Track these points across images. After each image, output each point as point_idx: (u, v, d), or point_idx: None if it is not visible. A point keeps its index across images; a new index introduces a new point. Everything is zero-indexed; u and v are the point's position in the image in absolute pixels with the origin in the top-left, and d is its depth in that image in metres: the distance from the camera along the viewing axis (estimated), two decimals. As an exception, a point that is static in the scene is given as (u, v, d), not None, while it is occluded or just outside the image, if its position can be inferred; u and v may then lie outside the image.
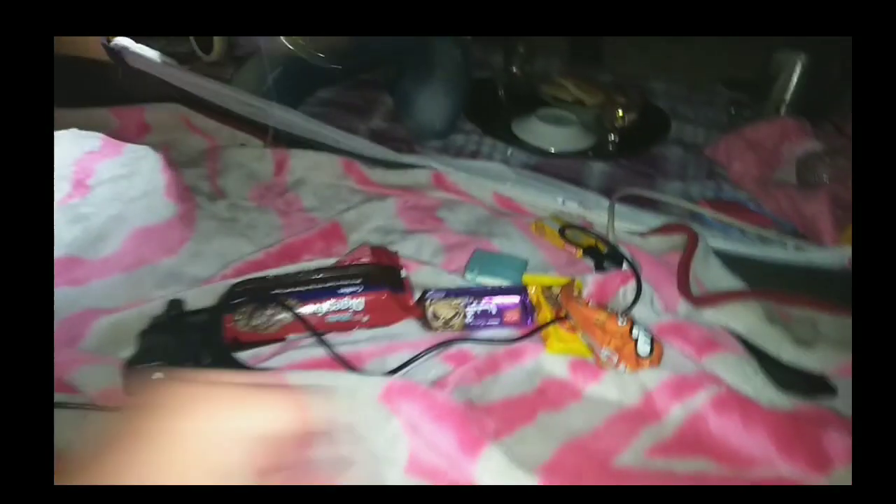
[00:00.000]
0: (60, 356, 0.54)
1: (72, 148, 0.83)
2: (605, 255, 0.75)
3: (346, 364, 0.58)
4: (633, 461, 0.54)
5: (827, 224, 0.86)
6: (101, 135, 0.85)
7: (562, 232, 0.79)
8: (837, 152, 1.02)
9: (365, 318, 0.63)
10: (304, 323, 0.60)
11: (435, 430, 0.50)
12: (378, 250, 0.69)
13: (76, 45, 1.13)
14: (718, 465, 0.54)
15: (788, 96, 1.24)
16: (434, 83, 1.05)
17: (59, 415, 0.49)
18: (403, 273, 0.68)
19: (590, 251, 0.77)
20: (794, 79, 1.25)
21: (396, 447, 0.52)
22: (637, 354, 0.60)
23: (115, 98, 1.03)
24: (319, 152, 0.92)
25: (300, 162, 0.91)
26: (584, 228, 0.81)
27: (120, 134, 0.98)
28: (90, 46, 1.11)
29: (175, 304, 0.61)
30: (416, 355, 0.61)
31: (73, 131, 0.85)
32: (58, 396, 0.50)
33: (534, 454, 0.54)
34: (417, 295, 0.68)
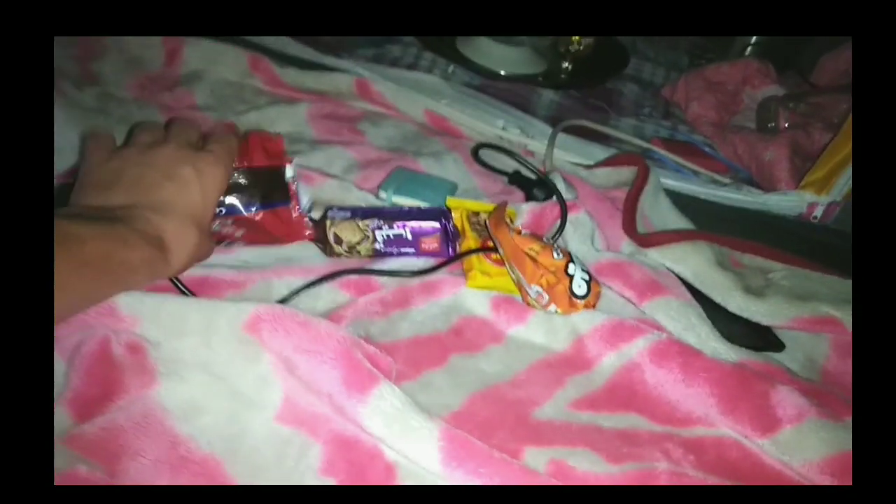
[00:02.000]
0: None
1: None
2: (535, 183, 0.65)
3: (183, 289, 0.46)
4: (555, 413, 0.46)
5: (784, 171, 0.79)
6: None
7: (475, 153, 0.69)
8: (800, 98, 0.95)
9: (238, 233, 0.51)
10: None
11: (314, 365, 0.40)
12: (254, 136, 0.53)
13: None
14: (651, 422, 0.46)
15: (754, 38, 1.16)
16: None
17: None
18: (289, 172, 0.52)
19: (517, 178, 0.67)
20: (761, 21, 1.17)
21: (266, 390, 0.41)
22: (571, 294, 0.51)
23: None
24: (222, 43, 0.77)
25: (197, 52, 0.75)
26: (508, 151, 0.70)
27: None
28: None
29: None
30: (310, 282, 0.50)
31: None
32: None
33: (440, 402, 0.45)
34: (319, 213, 0.56)
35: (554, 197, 0.61)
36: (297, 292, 0.49)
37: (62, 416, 0.37)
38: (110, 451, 0.37)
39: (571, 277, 0.51)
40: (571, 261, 0.52)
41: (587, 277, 0.52)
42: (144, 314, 0.40)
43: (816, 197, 0.69)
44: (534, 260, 0.51)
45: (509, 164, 0.71)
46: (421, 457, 0.38)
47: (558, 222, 0.61)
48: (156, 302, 0.41)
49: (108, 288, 0.39)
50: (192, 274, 0.47)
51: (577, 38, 1.02)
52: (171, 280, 0.45)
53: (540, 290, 0.51)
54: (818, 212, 0.70)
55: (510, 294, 0.54)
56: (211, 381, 0.41)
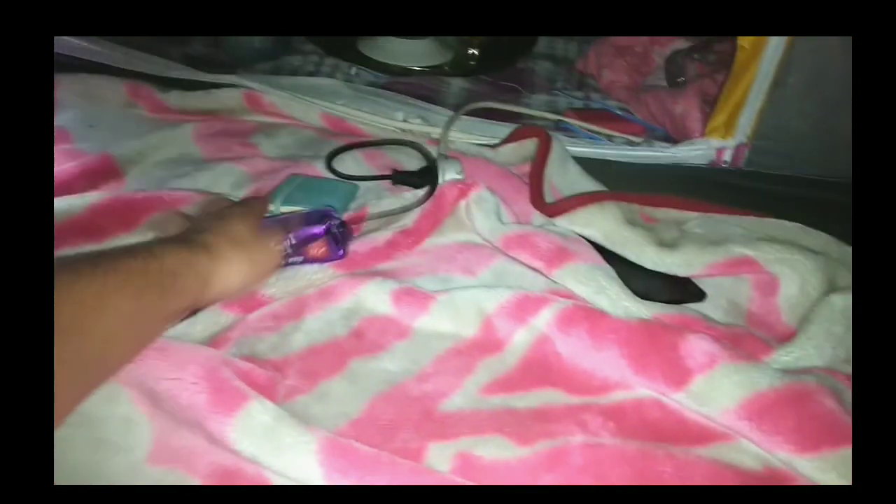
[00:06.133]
0: None
1: None
2: (419, 172, 0.63)
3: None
4: (464, 403, 0.43)
5: (695, 122, 0.78)
6: None
7: (328, 162, 0.65)
8: (705, 49, 0.94)
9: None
10: None
11: (178, 393, 0.36)
12: None
13: None
14: (568, 395, 0.44)
15: None
16: None
17: None
18: None
19: (400, 178, 0.64)
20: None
21: (132, 430, 0.37)
22: None
23: None
24: (96, 75, 0.73)
25: (69, 89, 0.72)
26: (363, 143, 0.68)
27: None
28: None
29: None
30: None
31: None
32: None
33: (337, 412, 0.41)
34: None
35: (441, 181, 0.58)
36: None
37: None
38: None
39: None
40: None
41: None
42: None
43: (722, 141, 0.68)
44: None
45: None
46: (301, 474, 0.34)
47: (462, 203, 0.59)
48: None
49: (160, 301, 0.36)
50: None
51: (478, 22, 1.00)
52: None
53: None
54: (727, 156, 0.68)
55: (414, 286, 0.51)
56: (71, 427, 0.37)
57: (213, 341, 0.44)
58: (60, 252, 0.52)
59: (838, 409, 0.38)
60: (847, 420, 0.37)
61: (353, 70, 0.93)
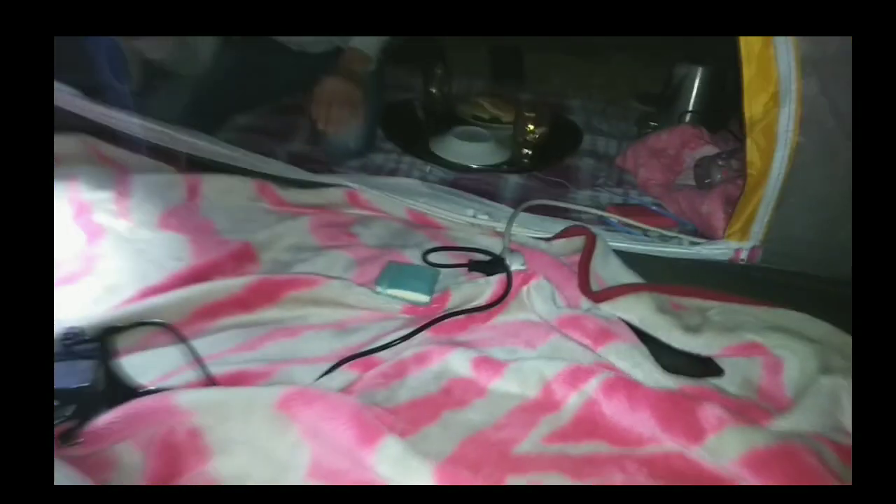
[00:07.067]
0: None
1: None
2: (490, 263, 0.78)
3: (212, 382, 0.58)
4: (531, 448, 0.56)
5: (719, 220, 0.92)
6: None
7: (424, 257, 0.82)
8: (731, 155, 1.09)
9: None
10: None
11: (333, 428, 0.51)
12: None
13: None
14: (610, 446, 0.57)
15: (690, 106, 1.32)
16: None
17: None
18: None
19: (476, 266, 0.80)
20: (694, 90, 1.34)
21: (297, 454, 0.52)
22: None
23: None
24: (232, 176, 0.92)
25: (212, 186, 0.91)
26: (454, 248, 0.84)
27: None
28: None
29: (71, 334, 0.60)
30: (329, 368, 0.62)
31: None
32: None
33: (436, 450, 0.55)
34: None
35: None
36: (321, 377, 0.61)
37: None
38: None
39: None
40: None
41: None
42: (198, 407, 0.52)
43: (739, 243, 0.81)
44: None
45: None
46: (421, 490, 0.48)
47: (524, 288, 0.74)
48: (205, 395, 0.53)
49: None
50: (227, 370, 0.60)
51: (531, 127, 1.18)
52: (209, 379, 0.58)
53: None
54: (744, 255, 0.82)
55: (488, 355, 0.65)
56: (253, 452, 0.52)
57: (343, 392, 0.60)
58: (221, 320, 0.69)
59: (818, 464, 0.50)
60: (824, 473, 0.49)
61: (428, 168, 1.11)
